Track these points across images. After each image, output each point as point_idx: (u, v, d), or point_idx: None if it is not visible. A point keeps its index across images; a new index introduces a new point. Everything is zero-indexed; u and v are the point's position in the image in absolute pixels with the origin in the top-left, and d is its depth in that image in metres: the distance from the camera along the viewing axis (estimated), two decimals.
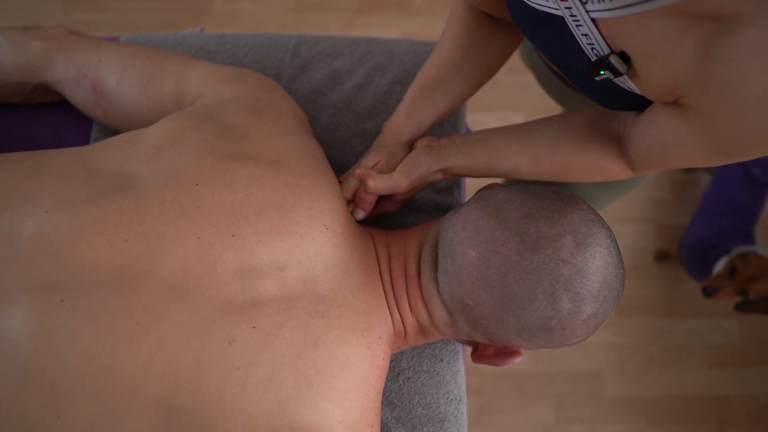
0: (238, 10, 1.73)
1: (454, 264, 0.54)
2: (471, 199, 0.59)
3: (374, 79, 0.78)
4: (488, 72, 0.64)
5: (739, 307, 1.23)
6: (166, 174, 0.53)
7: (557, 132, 0.59)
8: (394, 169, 0.62)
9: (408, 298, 0.58)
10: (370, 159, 0.62)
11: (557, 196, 0.54)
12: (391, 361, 0.69)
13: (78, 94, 0.68)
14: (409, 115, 0.62)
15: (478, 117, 1.66)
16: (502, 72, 1.70)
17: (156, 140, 0.56)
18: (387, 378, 0.68)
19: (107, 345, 0.47)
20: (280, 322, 0.50)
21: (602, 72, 0.44)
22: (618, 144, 0.57)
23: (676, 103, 0.44)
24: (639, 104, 0.50)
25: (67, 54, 0.67)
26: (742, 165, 1.36)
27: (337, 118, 0.76)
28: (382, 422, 0.67)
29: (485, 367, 1.50)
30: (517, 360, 0.58)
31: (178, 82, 0.64)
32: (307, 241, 0.54)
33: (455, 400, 0.69)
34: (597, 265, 0.51)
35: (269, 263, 0.52)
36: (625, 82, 0.45)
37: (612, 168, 0.58)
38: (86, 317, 0.48)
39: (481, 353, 0.61)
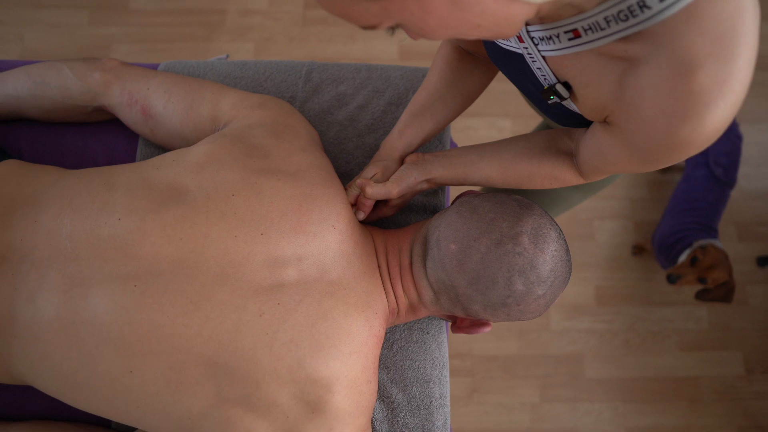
0: (249, 24, 1.88)
1: (439, 254, 0.69)
2: (452, 204, 0.74)
3: (373, 101, 0.93)
4: (468, 100, 0.79)
5: (699, 296, 1.38)
6: (208, 187, 0.68)
7: (520, 149, 0.74)
8: (386, 177, 0.77)
9: (401, 282, 0.73)
10: (369, 171, 0.77)
11: (518, 204, 0.69)
12: (386, 334, 0.84)
13: (130, 116, 0.83)
14: (401, 136, 0.78)
15: (470, 123, 1.81)
16: (492, 81, 1.85)
17: (198, 159, 0.71)
18: (383, 347, 0.84)
19: (168, 317, 0.63)
20: (299, 300, 0.66)
21: (552, 97, 0.58)
22: (570, 157, 0.71)
23: (606, 121, 0.58)
24: (584, 122, 0.64)
25: (122, 83, 0.82)
26: (706, 165, 1.50)
27: (343, 133, 0.92)
28: (379, 382, 0.82)
29: (477, 352, 1.65)
30: (487, 329, 0.74)
31: (213, 108, 0.79)
32: (318, 237, 0.69)
33: (439, 365, 0.84)
34: (546, 258, 0.66)
35: (290, 255, 0.67)
36: (570, 105, 0.60)
37: (565, 176, 0.72)
38: (153, 297, 0.64)
39: (459, 325, 0.76)
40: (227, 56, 1.00)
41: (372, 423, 0.80)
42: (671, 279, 1.33)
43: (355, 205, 0.78)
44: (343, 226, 0.72)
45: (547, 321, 1.67)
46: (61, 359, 0.64)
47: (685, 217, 1.46)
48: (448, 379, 0.85)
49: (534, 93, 0.64)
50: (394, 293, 0.74)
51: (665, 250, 1.46)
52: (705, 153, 1.51)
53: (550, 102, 0.59)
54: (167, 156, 0.74)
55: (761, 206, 1.77)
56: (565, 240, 0.70)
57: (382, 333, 0.73)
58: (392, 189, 0.75)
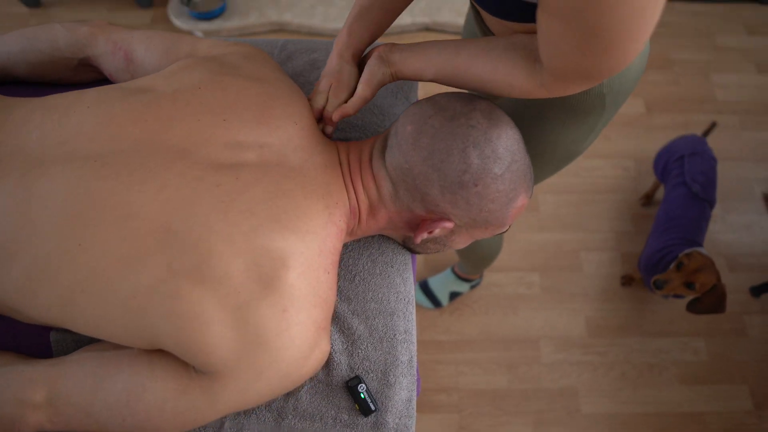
0: None
1: (396, 138, 0.69)
2: None
3: None
4: None
5: (690, 307, 1.33)
6: (177, 84, 0.71)
7: (481, 48, 0.69)
8: (345, 85, 0.78)
9: (361, 176, 0.72)
10: (324, 84, 0.78)
11: (476, 96, 0.71)
12: (347, 266, 0.81)
13: (113, 64, 0.86)
14: (350, 34, 0.77)
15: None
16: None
17: (171, 69, 0.74)
18: (344, 278, 0.80)
19: (124, 185, 0.62)
20: (258, 178, 0.65)
21: None
22: (530, 63, 0.64)
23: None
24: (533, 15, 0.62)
25: (107, 35, 0.86)
26: (684, 184, 1.51)
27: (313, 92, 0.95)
28: (339, 314, 0.77)
29: (464, 386, 1.55)
30: (448, 224, 0.69)
31: (191, 48, 0.83)
32: (281, 129, 0.70)
33: (404, 300, 0.80)
34: (500, 133, 0.66)
35: (252, 141, 0.68)
36: None
37: (522, 84, 0.65)
38: (111, 168, 0.63)
39: (420, 229, 0.71)
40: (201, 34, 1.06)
41: (330, 354, 0.75)
42: (658, 284, 1.29)
43: (321, 121, 0.79)
44: (304, 124, 0.73)
45: (537, 353, 1.59)
46: (9, 235, 0.62)
47: (667, 235, 1.45)
48: (414, 316, 0.81)
49: None
50: (355, 190, 0.73)
51: (651, 269, 1.43)
52: (682, 173, 1.54)
53: None
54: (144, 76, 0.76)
55: (747, 237, 1.76)
56: (519, 132, 0.70)
57: (343, 226, 0.71)
58: (366, 93, 0.74)
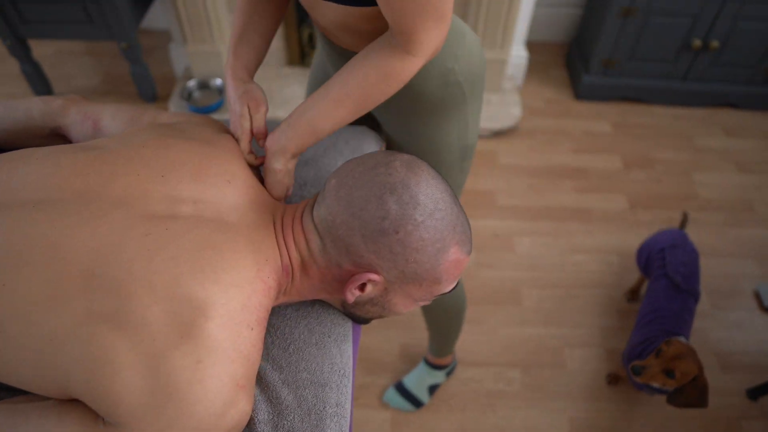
0: None
1: (322, 194, 0.70)
2: None
3: None
4: (279, 12, 0.89)
5: (671, 399, 1.25)
6: (124, 143, 0.74)
7: (344, 76, 0.75)
8: (260, 99, 0.81)
9: (293, 233, 0.72)
10: (241, 107, 0.81)
11: (399, 152, 0.72)
12: (283, 334, 0.78)
13: (81, 132, 0.91)
14: (237, 56, 0.84)
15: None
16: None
17: (125, 132, 0.78)
18: (278, 347, 0.77)
19: (56, 229, 0.63)
20: (189, 229, 0.66)
21: None
22: (389, 48, 0.72)
23: None
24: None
25: (79, 107, 0.92)
26: (666, 276, 1.49)
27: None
28: (270, 384, 0.74)
29: None
30: (375, 277, 0.67)
31: (153, 118, 0.88)
32: (216, 187, 0.72)
33: (339, 372, 0.77)
34: (419, 180, 0.66)
35: (186, 197, 0.70)
36: None
37: (393, 65, 0.72)
38: (48, 214, 0.65)
39: (348, 284, 0.69)
40: None
41: (254, 422, 0.70)
42: (635, 370, 1.23)
43: (253, 146, 0.84)
44: (239, 183, 0.74)
45: None
46: None
47: (650, 327, 1.40)
48: (349, 390, 0.77)
49: None
50: (287, 246, 0.72)
51: (633, 361, 1.36)
52: (664, 265, 1.51)
53: None
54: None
55: (739, 335, 1.69)
56: (446, 182, 0.71)
57: (272, 284, 0.69)
58: (287, 191, 0.81)
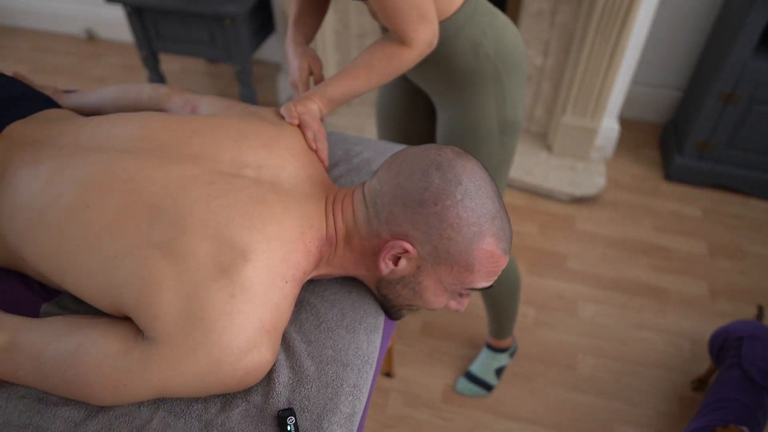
0: None
1: (377, 170, 0.77)
2: None
3: None
4: (325, 6, 1.11)
5: None
6: (209, 114, 0.87)
7: (360, 56, 0.95)
8: (314, 58, 1.03)
9: (342, 205, 0.78)
10: (302, 65, 1.02)
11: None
12: (317, 313, 0.82)
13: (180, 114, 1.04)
14: (297, 28, 1.07)
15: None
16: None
17: (217, 112, 0.91)
18: (311, 323, 0.81)
19: (138, 167, 0.74)
20: (247, 186, 0.75)
21: None
22: (389, 41, 0.92)
23: None
24: None
25: (181, 94, 1.05)
26: (739, 366, 1.38)
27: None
28: (296, 352, 0.77)
29: None
30: (409, 247, 0.71)
31: (244, 108, 0.99)
32: (280, 158, 0.81)
33: (363, 358, 0.79)
34: (465, 165, 0.71)
35: (253, 162, 0.79)
36: None
37: (393, 50, 0.92)
38: (133, 157, 0.77)
39: (383, 251, 0.73)
40: None
41: (274, 383, 0.74)
42: None
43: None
44: (302, 159, 0.83)
45: None
46: (43, 190, 0.75)
47: (715, 415, 1.30)
48: (369, 377, 0.78)
49: None
50: (334, 218, 0.77)
51: None
52: (739, 355, 1.41)
53: None
54: None
55: None
56: (493, 182, 0.74)
57: (314, 250, 0.75)
58: (318, 130, 0.91)
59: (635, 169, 2.39)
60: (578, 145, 2.29)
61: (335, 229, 0.78)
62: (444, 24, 1.01)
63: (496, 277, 0.76)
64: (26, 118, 0.88)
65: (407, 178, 0.70)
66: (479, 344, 1.75)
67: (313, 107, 0.92)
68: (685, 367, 1.70)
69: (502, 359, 1.63)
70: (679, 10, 2.26)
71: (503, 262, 0.74)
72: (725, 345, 1.48)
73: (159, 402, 0.72)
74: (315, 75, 1.04)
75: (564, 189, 2.20)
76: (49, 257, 0.73)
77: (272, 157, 0.80)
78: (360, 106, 2.60)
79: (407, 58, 0.92)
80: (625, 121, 2.64)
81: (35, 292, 0.86)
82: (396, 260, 0.74)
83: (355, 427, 0.74)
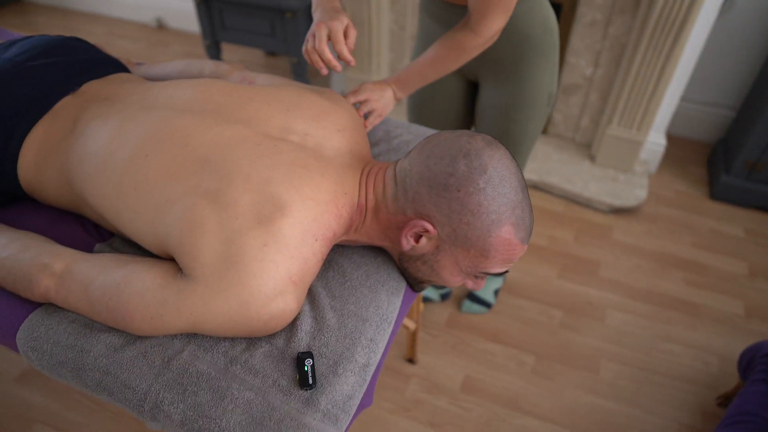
0: None
1: (410, 151, 0.82)
2: None
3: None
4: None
5: None
6: (267, 84, 0.96)
7: (432, 47, 1.05)
8: (352, 27, 0.96)
9: (374, 179, 0.84)
10: (338, 33, 0.93)
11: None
12: (343, 272, 0.89)
13: None
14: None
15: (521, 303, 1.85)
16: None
17: (272, 82, 0.99)
18: (336, 281, 0.88)
19: (194, 124, 0.83)
20: (291, 150, 0.82)
21: None
22: (461, 31, 1.00)
23: None
24: None
25: (240, 71, 1.15)
26: (764, 382, 1.37)
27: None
28: (319, 305, 0.84)
29: None
30: (430, 227, 0.76)
31: (299, 85, 1.07)
32: (326, 130, 0.88)
33: (381, 316, 0.85)
34: (493, 154, 0.74)
35: (300, 130, 0.86)
36: None
37: (461, 40, 1.00)
38: (191, 115, 0.85)
39: (406, 228, 0.78)
40: None
41: (297, 329, 0.80)
42: None
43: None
44: (347, 135, 0.90)
45: None
46: (110, 140, 0.84)
47: (732, 429, 1.29)
48: (386, 334, 0.84)
49: None
50: (366, 189, 0.84)
51: None
52: (765, 371, 1.40)
53: None
54: None
55: None
56: (519, 168, 0.78)
57: (344, 215, 0.81)
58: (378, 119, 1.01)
59: (679, 185, 2.37)
60: (622, 157, 2.29)
61: (366, 199, 0.84)
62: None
63: (511, 264, 0.80)
64: (101, 78, 0.98)
65: (436, 162, 0.75)
66: (504, 340, 1.78)
67: (388, 93, 1.03)
68: (711, 383, 1.69)
69: (498, 281, 1.87)
70: (736, 29, 2.23)
71: (520, 251, 0.78)
72: (753, 360, 1.46)
73: (190, 336, 0.80)
74: (349, 43, 0.94)
75: (603, 199, 2.20)
76: (110, 199, 0.82)
77: (319, 128, 0.87)
78: None
79: (473, 46, 1.01)
80: (673, 138, 2.61)
81: (90, 234, 0.96)
82: (417, 238, 0.80)
83: (368, 378, 0.80)
